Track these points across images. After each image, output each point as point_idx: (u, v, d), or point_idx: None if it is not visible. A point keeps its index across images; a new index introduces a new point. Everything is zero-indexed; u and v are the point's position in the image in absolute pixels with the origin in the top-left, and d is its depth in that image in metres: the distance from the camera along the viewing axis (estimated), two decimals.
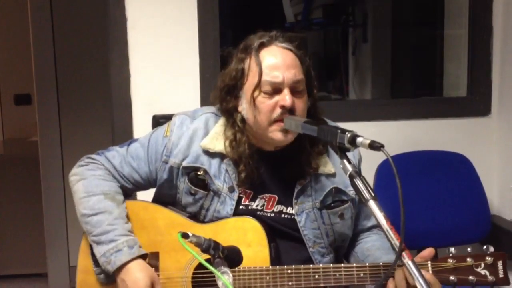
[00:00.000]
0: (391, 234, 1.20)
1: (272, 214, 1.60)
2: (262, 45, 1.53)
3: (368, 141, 1.23)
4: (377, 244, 1.65)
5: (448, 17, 2.97)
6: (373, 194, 1.23)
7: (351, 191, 1.61)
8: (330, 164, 1.61)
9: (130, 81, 2.34)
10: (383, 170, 2.27)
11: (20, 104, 4.61)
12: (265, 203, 1.59)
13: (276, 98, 1.50)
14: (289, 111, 1.49)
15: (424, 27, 3.56)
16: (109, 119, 2.43)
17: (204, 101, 2.31)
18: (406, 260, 1.18)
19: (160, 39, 2.35)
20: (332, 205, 1.61)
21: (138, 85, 2.35)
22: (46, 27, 3.52)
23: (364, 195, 1.23)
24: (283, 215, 1.60)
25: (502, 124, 2.56)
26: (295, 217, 1.59)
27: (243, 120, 1.56)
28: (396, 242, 1.19)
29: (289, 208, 1.60)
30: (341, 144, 1.28)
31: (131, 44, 2.33)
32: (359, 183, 1.24)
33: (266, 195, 1.59)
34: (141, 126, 2.32)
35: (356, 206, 1.66)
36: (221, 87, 1.58)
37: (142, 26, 2.33)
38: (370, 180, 2.27)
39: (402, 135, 2.51)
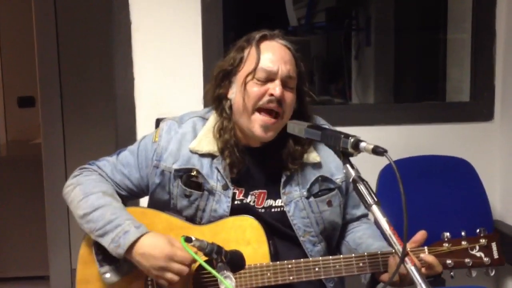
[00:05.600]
0: (394, 239, 1.20)
1: (263, 210, 1.62)
2: (263, 38, 1.61)
3: (371, 146, 1.24)
4: (368, 233, 1.69)
5: (451, 21, 2.97)
6: (376, 199, 1.24)
7: (337, 179, 1.66)
8: (315, 153, 1.65)
9: (134, 84, 2.35)
10: (386, 174, 2.27)
11: (24, 107, 4.63)
12: (255, 199, 1.62)
13: (267, 86, 1.55)
14: (278, 101, 1.55)
15: (427, 31, 3.56)
16: (113, 121, 2.44)
17: (207, 104, 2.31)
18: (409, 265, 1.18)
19: (164, 42, 2.35)
20: (319, 193, 1.64)
21: (142, 88, 2.36)
22: (50, 29, 3.53)
23: (367, 200, 1.24)
24: (273, 209, 1.63)
25: (505, 129, 2.55)
26: (284, 208, 1.61)
27: (230, 108, 1.62)
28: (399, 247, 1.19)
29: (277, 201, 1.63)
30: (344, 149, 1.29)
31: (135, 46, 2.34)
32: (362, 188, 1.25)
33: (256, 191, 1.63)
34: (144, 129, 2.32)
35: (344, 195, 1.69)
36: (217, 73, 1.64)
37: (146, 29, 2.34)
38: (373, 185, 2.27)
39: (404, 140, 2.51)
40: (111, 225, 1.51)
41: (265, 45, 1.60)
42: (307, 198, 1.63)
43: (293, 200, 1.62)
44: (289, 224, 1.62)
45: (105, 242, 1.50)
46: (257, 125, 1.56)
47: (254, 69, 1.56)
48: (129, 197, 1.71)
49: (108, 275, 1.53)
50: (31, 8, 3.57)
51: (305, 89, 1.66)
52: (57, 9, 3.54)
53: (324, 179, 1.65)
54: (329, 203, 1.65)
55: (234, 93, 1.61)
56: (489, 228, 2.38)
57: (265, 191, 1.63)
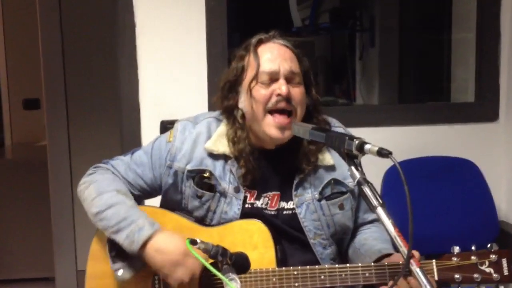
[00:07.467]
0: (399, 241, 1.20)
1: (275, 212, 1.61)
2: (260, 42, 1.61)
3: (376, 148, 1.23)
4: (375, 235, 1.67)
5: (455, 21, 2.96)
6: (381, 201, 1.24)
7: (350, 183, 1.64)
8: (329, 156, 1.64)
9: (139, 86, 2.36)
10: (390, 176, 2.27)
11: (29, 109, 4.63)
12: (269, 201, 1.62)
13: (273, 87, 1.55)
14: (286, 100, 1.54)
15: (432, 31, 3.56)
16: (118, 123, 2.44)
17: (212, 106, 2.32)
18: (414, 267, 1.18)
19: (169, 44, 2.36)
20: (331, 196, 1.63)
21: (147, 90, 2.37)
22: (55, 32, 3.54)
23: (372, 202, 1.24)
24: (284, 212, 1.62)
25: (510, 129, 2.55)
26: (296, 210, 1.60)
27: (243, 116, 1.62)
28: (404, 249, 1.19)
29: (289, 203, 1.62)
30: (349, 151, 1.29)
31: (139, 49, 2.34)
32: (367, 190, 1.25)
33: (269, 193, 1.62)
34: (149, 131, 2.33)
35: (356, 198, 1.68)
36: (223, 85, 1.65)
37: (151, 31, 2.35)
38: (378, 186, 2.27)
39: (409, 141, 2.51)
40: (125, 222, 1.51)
41: (262, 48, 1.60)
42: (319, 200, 1.62)
43: (304, 202, 1.61)
44: (299, 227, 1.61)
45: (120, 238, 1.50)
46: (272, 127, 1.55)
47: (256, 74, 1.56)
48: (141, 197, 1.71)
49: (121, 272, 1.52)
50: (36, 11, 3.58)
51: (312, 83, 1.65)
52: (62, 11, 3.55)
53: (337, 182, 1.64)
54: (341, 206, 1.64)
55: (242, 102, 1.61)
56: (494, 229, 2.38)
57: (278, 193, 1.62)
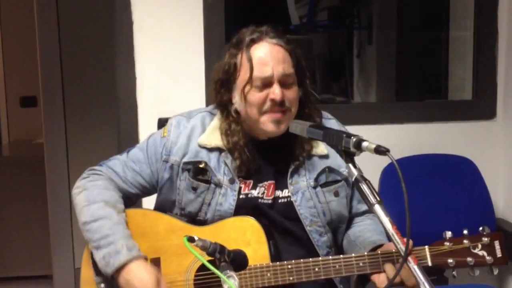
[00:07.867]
0: (397, 238, 1.20)
1: (272, 201, 1.63)
2: (252, 41, 1.60)
3: (373, 146, 1.23)
4: (369, 228, 1.69)
5: (453, 19, 2.97)
6: (378, 199, 1.24)
7: (344, 171, 1.65)
8: (323, 146, 1.65)
9: (136, 84, 2.35)
10: (388, 173, 2.27)
11: (26, 106, 4.63)
12: (265, 190, 1.63)
13: (266, 91, 1.56)
14: (280, 103, 1.55)
15: (429, 29, 3.55)
16: (115, 121, 2.44)
17: (210, 103, 2.31)
18: (412, 264, 1.18)
19: (166, 41, 2.35)
20: (326, 183, 1.65)
21: (144, 87, 2.36)
22: (52, 29, 3.53)
23: (369, 199, 1.24)
24: (280, 200, 1.63)
25: (507, 127, 2.55)
26: (291, 198, 1.62)
27: (237, 110, 1.63)
28: (402, 246, 1.19)
29: (284, 191, 1.63)
30: (346, 148, 1.29)
31: (137, 46, 2.34)
32: (364, 187, 1.25)
33: (265, 182, 1.63)
34: (146, 128, 2.33)
35: (350, 187, 1.69)
36: (216, 80, 1.65)
37: (148, 29, 2.34)
38: (375, 183, 2.27)
39: (407, 139, 2.51)
40: (105, 240, 1.51)
41: (255, 50, 1.57)
42: (314, 188, 1.63)
43: (300, 190, 1.62)
44: (295, 215, 1.62)
45: (97, 256, 1.52)
46: (268, 123, 1.57)
47: (250, 78, 1.56)
48: (140, 195, 1.71)
49: (102, 286, 1.55)
50: (33, 9, 3.57)
51: (306, 74, 1.65)
52: (59, 8, 3.54)
53: (331, 170, 1.66)
54: (336, 194, 1.66)
55: (237, 101, 1.62)
56: (492, 226, 2.38)
57: (274, 182, 1.63)
